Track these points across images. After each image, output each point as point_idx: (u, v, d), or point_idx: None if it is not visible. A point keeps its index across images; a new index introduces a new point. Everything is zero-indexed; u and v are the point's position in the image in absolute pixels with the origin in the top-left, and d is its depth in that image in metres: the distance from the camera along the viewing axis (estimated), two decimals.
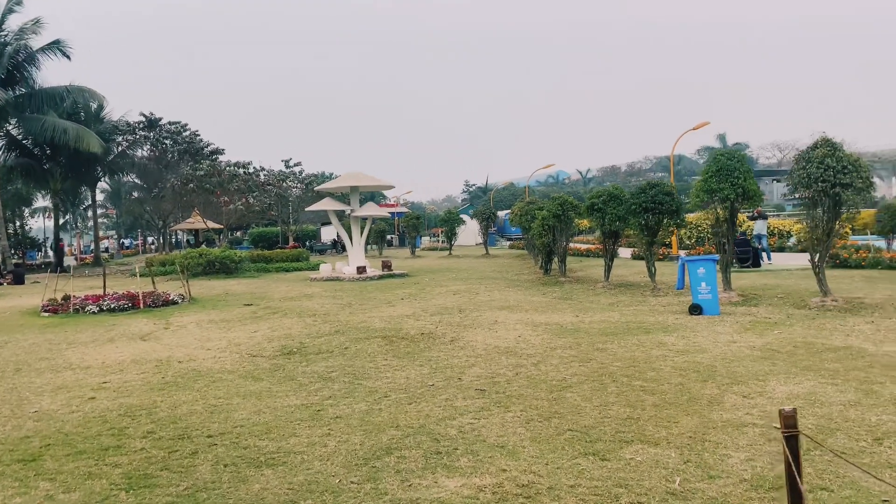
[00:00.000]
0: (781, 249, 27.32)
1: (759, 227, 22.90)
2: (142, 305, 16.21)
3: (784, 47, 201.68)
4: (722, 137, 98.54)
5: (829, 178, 11.83)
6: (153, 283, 19.40)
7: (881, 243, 23.91)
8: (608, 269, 17.72)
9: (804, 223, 12.70)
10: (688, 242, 29.56)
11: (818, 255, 12.52)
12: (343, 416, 6.40)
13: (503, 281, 20.57)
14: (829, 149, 12.08)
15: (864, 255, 19.19)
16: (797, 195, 12.61)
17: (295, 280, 24.04)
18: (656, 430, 5.52)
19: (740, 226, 23.76)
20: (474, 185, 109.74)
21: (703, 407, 6.12)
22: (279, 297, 18.22)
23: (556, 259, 20.64)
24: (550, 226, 19.36)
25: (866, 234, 27.28)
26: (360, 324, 12.40)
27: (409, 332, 11.11)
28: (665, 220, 15.83)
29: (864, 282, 15.59)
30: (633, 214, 15.92)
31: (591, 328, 10.86)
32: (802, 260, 22.89)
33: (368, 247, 42.50)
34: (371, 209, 25.35)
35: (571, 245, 22.11)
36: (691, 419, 5.77)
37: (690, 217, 25.58)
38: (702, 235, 30.04)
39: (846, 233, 27.93)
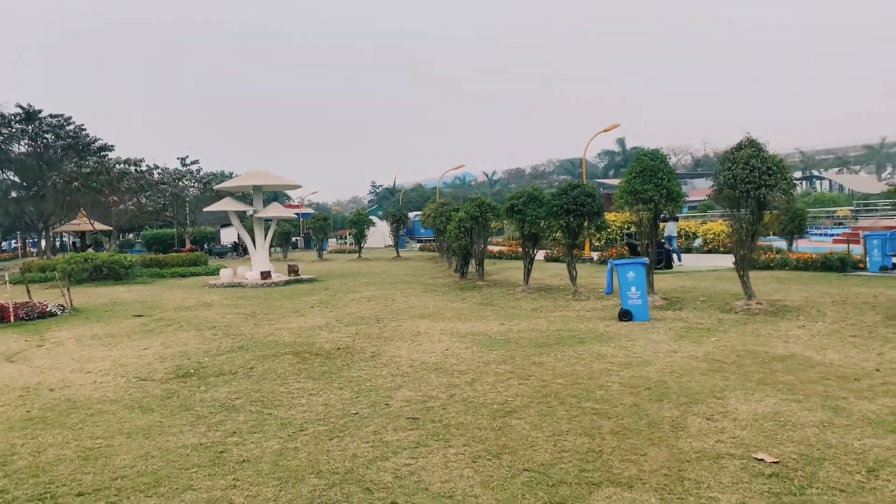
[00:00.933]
0: (688, 250, 27.90)
1: (671, 228, 23.11)
2: (12, 318, 14.23)
3: (678, 52, 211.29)
4: (622, 141, 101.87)
5: (754, 179, 11.66)
6: (28, 291, 17.25)
7: (782, 244, 24.74)
8: (527, 272, 17.19)
9: (729, 224, 12.51)
10: (597, 244, 29.74)
11: (742, 256, 12.36)
12: (251, 460, 5.29)
13: (419, 285, 19.68)
14: (753, 149, 11.91)
15: (772, 256, 19.58)
16: (722, 195, 12.40)
17: (192, 286, 22.22)
18: (625, 467, 4.77)
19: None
20: (381, 186, 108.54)
21: (668, 433, 5.43)
22: (174, 306, 16.57)
23: (472, 262, 19.96)
24: (468, 228, 18.64)
25: (769, 234, 28.22)
26: (266, 337, 11.17)
27: (323, 347, 10.01)
28: (586, 223, 15.43)
29: (777, 283, 15.74)
30: (554, 216, 15.41)
31: (522, 338, 10.13)
32: (711, 261, 23.40)
33: (272, 250, 40.61)
34: (275, 210, 23.84)
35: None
36: (660, 450, 5.06)
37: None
38: (612, 237, 30.33)
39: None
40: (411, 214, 48.65)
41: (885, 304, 11.84)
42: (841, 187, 71.38)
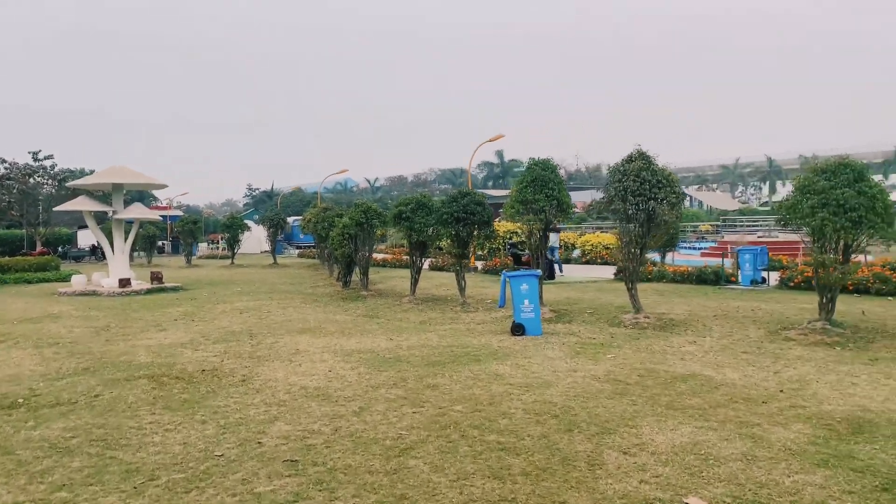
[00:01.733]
0: (567, 261, 28.27)
1: (553, 239, 23.18)
2: None
3: (546, 65, 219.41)
4: (500, 153, 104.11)
5: (644, 192, 11.55)
6: None
7: (656, 256, 25.56)
8: (414, 282, 16.47)
9: (618, 237, 12.38)
10: (481, 253, 29.58)
11: (632, 270, 12.25)
12: None
13: (298, 295, 18.47)
14: (644, 162, 11.83)
15: (650, 268, 20.00)
16: (612, 208, 12.25)
17: (39, 294, 19.75)
18: None
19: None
20: (258, 189, 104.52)
21: (586, 473, 4.82)
22: (14, 317, 14.47)
23: (356, 271, 18.99)
24: (352, 234, 17.68)
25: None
26: (119, 357, 9.72)
27: (185, 369, 8.76)
28: (476, 232, 14.92)
29: (659, 295, 15.93)
30: (443, 224, 14.80)
31: (413, 356, 9.35)
32: (590, 271, 23.71)
33: (136, 254, 37.55)
34: (138, 211, 21.66)
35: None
36: (580, 496, 4.43)
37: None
38: (494, 247, 30.26)
39: None
40: (290, 219, 46.78)
41: (764, 318, 12.08)
42: (700, 203, 76.33)
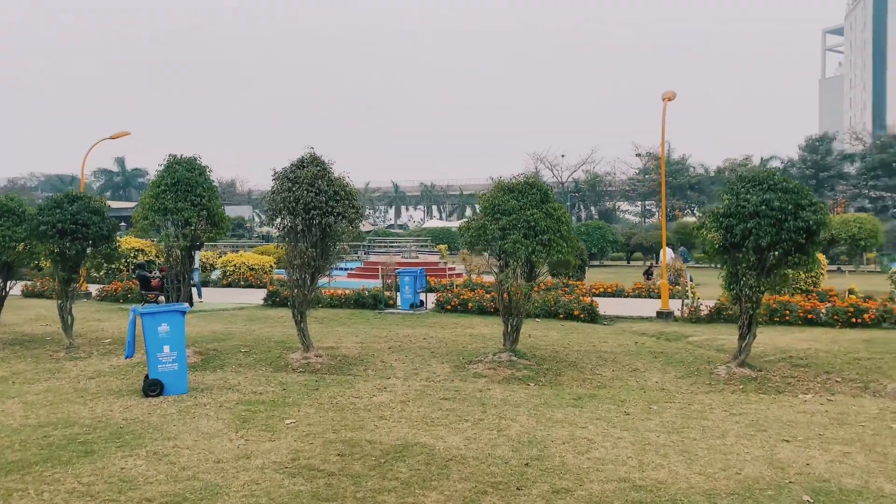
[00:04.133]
0: (206, 283, 24.87)
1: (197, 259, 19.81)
2: None
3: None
4: (121, 161, 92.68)
5: (320, 204, 9.55)
6: None
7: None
8: None
9: (286, 260, 10.13)
10: (97, 275, 24.35)
11: (302, 299, 10.10)
12: None
13: None
14: (319, 168, 9.84)
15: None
16: (279, 223, 9.99)
17: None
18: None
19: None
20: None
21: None
22: None
23: None
24: None
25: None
26: None
27: None
28: (90, 250, 11.15)
29: (319, 324, 14.02)
30: (40, 238, 10.75)
31: None
32: (234, 296, 20.70)
33: None
34: None
35: None
36: None
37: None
38: (114, 267, 25.23)
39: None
40: None
41: (441, 349, 11.02)
42: None
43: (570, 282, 19.62)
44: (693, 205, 66.10)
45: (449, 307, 16.10)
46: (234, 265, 24.63)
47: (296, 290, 10.09)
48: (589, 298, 15.83)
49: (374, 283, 22.18)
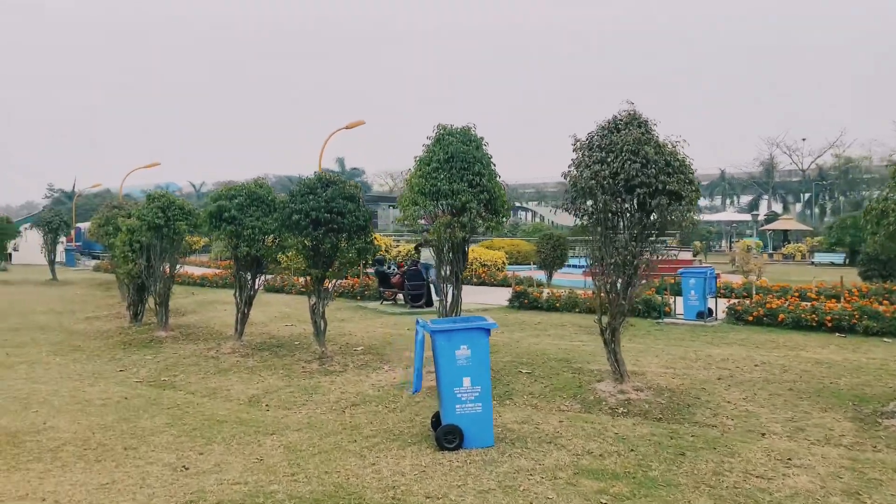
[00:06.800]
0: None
1: (427, 255, 18.16)
2: None
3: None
4: (341, 161, 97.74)
5: (648, 179, 6.83)
6: None
7: (542, 276, 21.43)
8: (242, 317, 10.69)
9: (593, 254, 7.54)
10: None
11: (616, 310, 7.45)
12: None
13: (56, 335, 11.91)
14: (643, 132, 7.11)
15: (543, 293, 15.57)
16: (584, 208, 7.42)
17: None
18: None
19: (417, 253, 18.87)
20: (60, 189, 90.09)
21: None
22: None
23: (152, 297, 12.74)
24: (144, 244, 11.52)
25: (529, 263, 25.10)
26: None
27: None
28: (344, 243, 9.43)
29: (593, 336, 11.39)
30: (292, 229, 9.21)
31: None
32: (473, 295, 18.37)
33: None
34: None
35: (182, 270, 14.33)
36: None
37: None
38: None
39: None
40: (86, 224, 37.94)
41: (792, 380, 7.81)
42: (542, 218, 75.38)
43: None
44: None
45: (751, 318, 12.61)
46: (471, 261, 22.87)
47: (606, 296, 7.46)
48: None
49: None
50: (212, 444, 5.69)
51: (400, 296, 16.93)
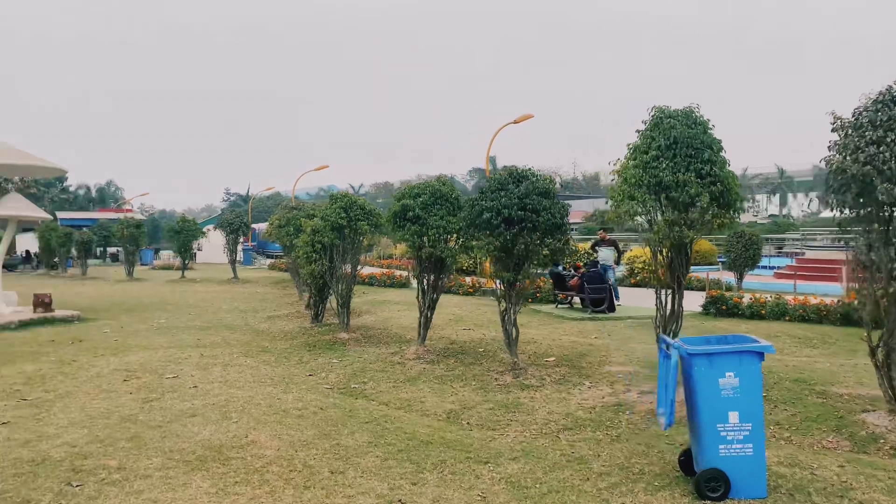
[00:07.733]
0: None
1: (606, 255, 16.91)
2: None
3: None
4: (493, 160, 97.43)
5: None
6: None
7: (732, 279, 19.42)
8: (425, 322, 10.16)
9: (854, 261, 6.15)
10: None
11: (892, 330, 5.98)
12: None
13: (244, 335, 12.06)
14: None
15: (738, 298, 13.79)
16: (845, 197, 6.03)
17: None
18: None
19: (594, 252, 17.67)
20: (236, 193, 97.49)
21: None
22: None
23: (333, 297, 12.63)
24: (326, 244, 11.35)
25: (717, 264, 23.10)
26: None
27: None
28: (537, 243, 8.54)
29: (817, 349, 9.71)
30: (481, 228, 8.49)
31: None
32: (648, 299, 16.69)
33: (91, 263, 30.86)
34: (13, 206, 14.79)
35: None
36: None
37: None
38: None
39: None
40: (259, 226, 40.27)
41: None
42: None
43: None
44: None
45: None
46: (643, 261, 21.26)
47: (875, 308, 6.01)
48: None
49: (823, 288, 16.84)
50: (423, 473, 5.02)
51: (576, 299, 15.86)
